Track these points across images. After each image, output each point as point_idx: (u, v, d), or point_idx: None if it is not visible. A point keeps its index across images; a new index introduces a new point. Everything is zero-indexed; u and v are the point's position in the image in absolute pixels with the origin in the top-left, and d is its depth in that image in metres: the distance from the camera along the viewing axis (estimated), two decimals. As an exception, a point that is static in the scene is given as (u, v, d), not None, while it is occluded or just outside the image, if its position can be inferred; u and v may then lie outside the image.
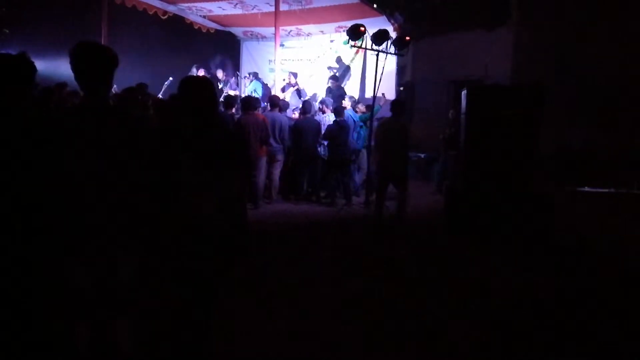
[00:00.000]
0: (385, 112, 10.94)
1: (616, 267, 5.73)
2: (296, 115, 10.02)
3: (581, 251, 6.30)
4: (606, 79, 11.83)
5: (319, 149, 9.14)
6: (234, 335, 3.59)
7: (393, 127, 7.16)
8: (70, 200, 2.51)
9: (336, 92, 10.92)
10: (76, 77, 2.51)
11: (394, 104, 7.60)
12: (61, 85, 7.11)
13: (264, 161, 8.43)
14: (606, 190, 10.58)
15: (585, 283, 5.15)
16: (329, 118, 9.37)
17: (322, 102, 9.90)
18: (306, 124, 8.97)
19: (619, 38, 11.74)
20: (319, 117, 9.50)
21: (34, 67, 2.72)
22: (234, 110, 8.88)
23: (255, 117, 8.13)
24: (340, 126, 8.75)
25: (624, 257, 6.12)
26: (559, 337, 3.87)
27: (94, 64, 2.51)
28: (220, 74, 12.06)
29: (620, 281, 5.24)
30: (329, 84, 11.35)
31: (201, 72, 11.08)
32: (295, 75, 11.66)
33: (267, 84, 11.98)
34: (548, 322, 4.13)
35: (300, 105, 10.53)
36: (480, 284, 5.01)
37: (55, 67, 9.19)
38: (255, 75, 12.13)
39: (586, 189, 10.75)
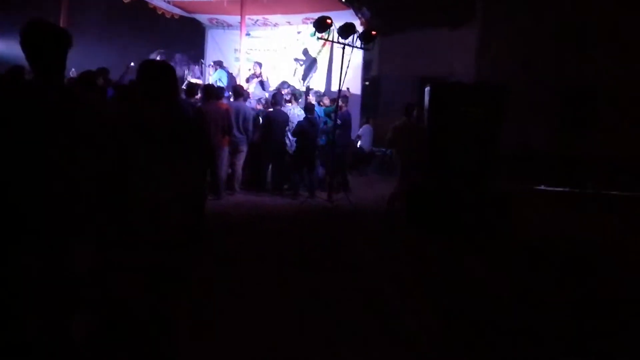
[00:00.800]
0: (352, 108, 10.96)
1: (572, 262, 5.90)
2: (260, 106, 9.91)
3: (537, 247, 6.46)
4: (569, 79, 12.15)
5: (286, 141, 9.08)
6: (200, 332, 3.52)
7: (407, 127, 7.76)
8: (22, 188, 2.40)
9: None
10: (27, 57, 2.39)
11: (406, 106, 8.06)
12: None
13: (226, 151, 8.30)
14: (562, 189, 10.89)
15: (541, 277, 5.29)
16: (294, 111, 9.30)
17: (289, 93, 9.81)
18: (276, 115, 8.89)
19: (584, 40, 12.06)
20: (285, 108, 9.42)
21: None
22: (196, 98, 8.71)
23: (217, 106, 8.00)
24: (311, 123, 8.73)
25: (579, 254, 6.30)
26: (515, 330, 3.93)
27: (44, 44, 2.39)
28: (181, 60, 11.80)
29: (577, 275, 5.40)
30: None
31: (161, 58, 10.80)
32: (260, 65, 11.52)
33: (232, 73, 11.80)
34: (504, 315, 4.21)
35: (265, 97, 10.41)
36: (434, 278, 5.08)
37: (11, 48, 8.85)
38: (220, 64, 11.91)
39: (542, 187, 11.04)
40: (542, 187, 10.99)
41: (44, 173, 2.41)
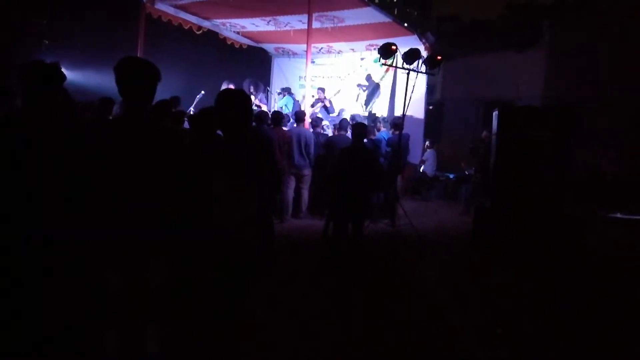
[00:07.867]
0: (416, 132, 10.89)
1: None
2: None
3: (610, 277, 6.15)
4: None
5: None
6: (257, 347, 3.60)
7: None
8: (108, 207, 2.57)
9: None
10: (121, 91, 2.58)
11: None
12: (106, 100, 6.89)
13: (291, 176, 8.47)
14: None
15: (614, 310, 5.02)
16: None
17: (352, 118, 9.91)
18: (339, 140, 8.98)
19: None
20: (348, 133, 9.48)
21: (64, 76, 2.83)
22: (265, 125, 8.94)
23: (282, 132, 8.22)
24: (375, 145, 8.77)
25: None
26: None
27: (139, 80, 2.58)
28: (248, 85, 12.15)
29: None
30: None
31: (231, 87, 11.18)
32: (323, 90, 11.73)
33: (298, 100, 12.08)
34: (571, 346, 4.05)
35: (328, 121, 10.55)
36: (504, 306, 4.93)
37: (92, 79, 9.45)
38: (288, 91, 12.22)
39: (618, 215, 10.51)
40: (618, 215, 10.44)
41: (130, 193, 2.58)
